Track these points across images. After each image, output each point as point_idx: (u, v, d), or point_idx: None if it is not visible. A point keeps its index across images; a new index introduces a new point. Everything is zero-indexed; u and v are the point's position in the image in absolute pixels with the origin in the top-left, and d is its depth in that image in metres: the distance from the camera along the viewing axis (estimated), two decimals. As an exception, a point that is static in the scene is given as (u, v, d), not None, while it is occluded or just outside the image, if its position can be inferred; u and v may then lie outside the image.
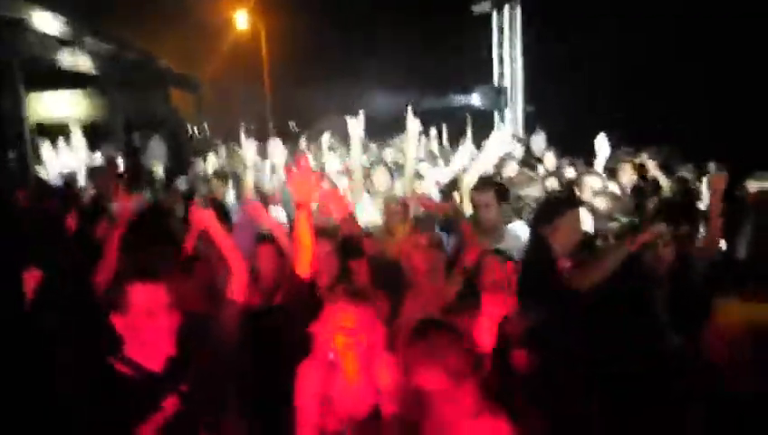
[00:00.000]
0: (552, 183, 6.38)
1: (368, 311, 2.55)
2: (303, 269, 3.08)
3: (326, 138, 9.76)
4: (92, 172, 7.51)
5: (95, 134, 12.27)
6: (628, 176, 6.40)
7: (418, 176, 6.34)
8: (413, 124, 5.59)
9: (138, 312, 2.42)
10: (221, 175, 6.90)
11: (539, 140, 14.25)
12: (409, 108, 5.73)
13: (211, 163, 9.76)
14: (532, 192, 5.14)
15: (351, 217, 4.18)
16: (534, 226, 3.95)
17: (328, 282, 3.46)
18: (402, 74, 19.37)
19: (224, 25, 23.22)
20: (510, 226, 4.49)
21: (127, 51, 11.97)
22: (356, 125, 5.53)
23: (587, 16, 12.33)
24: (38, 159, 8.98)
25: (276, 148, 7.08)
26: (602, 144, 6.37)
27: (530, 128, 13.69)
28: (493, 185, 4.47)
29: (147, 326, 2.43)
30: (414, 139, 5.69)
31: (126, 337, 2.46)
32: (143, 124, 11.47)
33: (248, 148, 6.28)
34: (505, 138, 10.94)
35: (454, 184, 5.69)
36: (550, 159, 7.68)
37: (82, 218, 4.85)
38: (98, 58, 11.26)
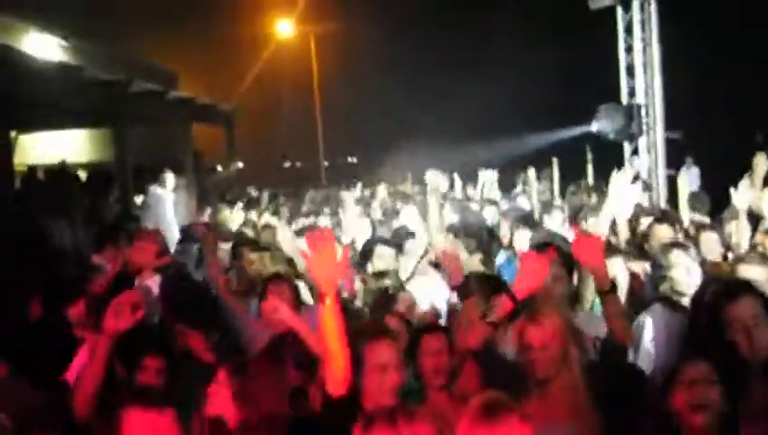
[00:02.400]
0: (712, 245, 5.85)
1: None
2: (336, 385, 2.99)
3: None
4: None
5: (99, 181, 12.69)
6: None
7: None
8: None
9: None
10: (251, 242, 6.87)
11: (691, 178, 13.69)
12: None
13: (236, 219, 9.82)
14: (681, 259, 4.68)
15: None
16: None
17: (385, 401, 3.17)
18: (496, 96, 19.21)
19: (262, 39, 23.90)
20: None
21: (138, 79, 12.35)
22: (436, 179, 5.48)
23: (751, 9, 11.83)
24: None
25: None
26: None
27: (673, 162, 13.13)
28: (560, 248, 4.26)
29: None
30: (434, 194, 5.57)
31: None
32: (155, 170, 11.74)
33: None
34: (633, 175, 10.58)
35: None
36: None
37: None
38: (102, 89, 11.63)
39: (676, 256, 4.55)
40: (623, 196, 5.32)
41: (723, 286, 3.65)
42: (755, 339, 3.28)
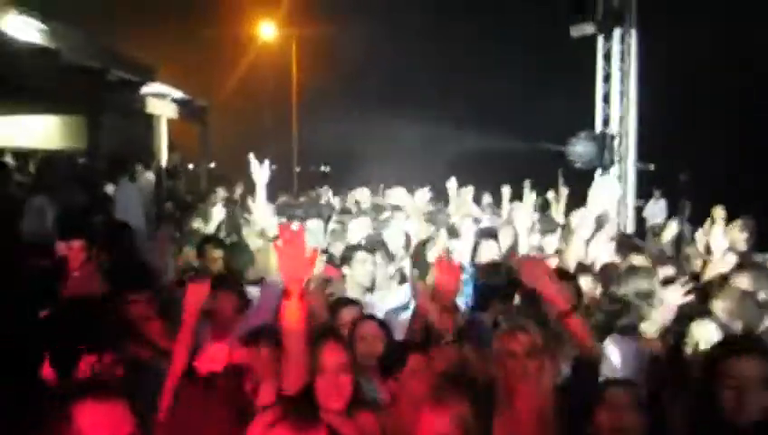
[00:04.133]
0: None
1: None
2: (290, 384, 2.97)
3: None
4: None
5: (71, 170, 12.42)
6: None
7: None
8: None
9: None
10: (214, 239, 6.72)
11: (657, 209, 13.78)
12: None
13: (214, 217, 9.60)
14: (640, 285, 4.64)
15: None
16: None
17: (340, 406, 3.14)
18: (474, 113, 19.29)
19: (243, 39, 23.77)
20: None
21: (115, 67, 12.16)
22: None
23: (730, 43, 11.92)
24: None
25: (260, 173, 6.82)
26: (717, 237, 5.79)
27: (645, 192, 13.23)
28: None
29: None
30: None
31: None
32: (126, 161, 11.51)
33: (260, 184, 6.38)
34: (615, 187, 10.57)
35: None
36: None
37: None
38: (78, 75, 11.44)
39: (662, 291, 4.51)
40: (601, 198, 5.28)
41: (730, 339, 3.51)
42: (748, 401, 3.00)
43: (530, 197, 10.48)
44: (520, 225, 5.85)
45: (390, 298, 5.36)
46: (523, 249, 5.68)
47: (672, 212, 14.39)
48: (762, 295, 4.81)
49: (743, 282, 4.95)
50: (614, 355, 4.29)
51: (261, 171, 6.58)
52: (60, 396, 2.78)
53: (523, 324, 3.34)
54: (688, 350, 3.88)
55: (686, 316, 4.24)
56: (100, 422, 2.39)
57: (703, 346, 3.83)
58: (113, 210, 10.31)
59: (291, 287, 2.94)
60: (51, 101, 12.55)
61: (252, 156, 6.66)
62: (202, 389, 3.46)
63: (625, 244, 6.82)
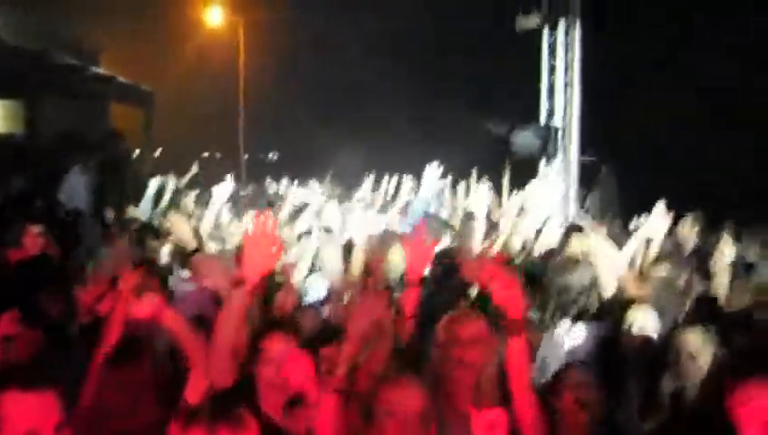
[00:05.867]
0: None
1: None
2: (220, 375, 2.86)
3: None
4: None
5: (11, 154, 12.03)
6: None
7: None
8: None
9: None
10: (151, 230, 6.64)
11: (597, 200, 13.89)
12: None
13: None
14: (580, 279, 4.65)
15: None
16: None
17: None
18: (421, 102, 19.30)
19: (190, 25, 23.35)
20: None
21: (57, 50, 11.81)
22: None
23: (671, 38, 12.10)
24: None
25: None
26: (659, 217, 5.78)
27: (588, 183, 13.36)
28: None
29: None
30: None
31: None
32: (69, 147, 11.19)
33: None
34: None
35: None
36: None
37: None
38: (16, 57, 11.10)
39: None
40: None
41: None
42: None
43: (480, 187, 10.49)
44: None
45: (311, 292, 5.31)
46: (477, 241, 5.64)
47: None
48: (680, 283, 4.87)
49: (661, 271, 5.01)
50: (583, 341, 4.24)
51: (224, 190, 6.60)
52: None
53: (473, 312, 3.31)
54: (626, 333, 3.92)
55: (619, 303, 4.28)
56: (25, 412, 2.25)
57: (636, 330, 3.89)
58: (57, 195, 10.05)
59: (249, 276, 2.87)
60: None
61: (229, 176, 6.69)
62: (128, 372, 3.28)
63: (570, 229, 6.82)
